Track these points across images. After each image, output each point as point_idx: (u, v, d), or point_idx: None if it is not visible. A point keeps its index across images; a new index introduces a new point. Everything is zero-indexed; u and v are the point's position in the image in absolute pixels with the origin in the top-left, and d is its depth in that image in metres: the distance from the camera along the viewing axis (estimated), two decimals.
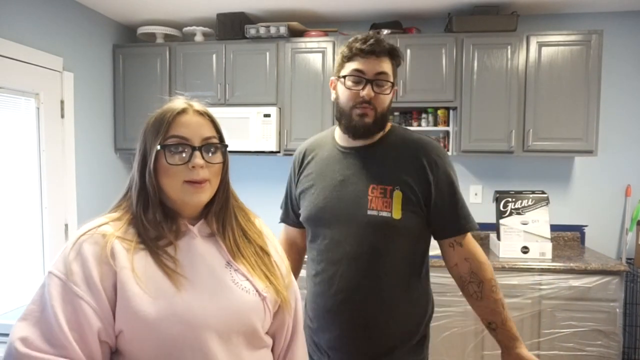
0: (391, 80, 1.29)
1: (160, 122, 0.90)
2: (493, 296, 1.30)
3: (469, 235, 1.33)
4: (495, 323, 1.31)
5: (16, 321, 0.81)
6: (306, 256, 1.48)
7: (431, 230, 1.34)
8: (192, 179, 0.89)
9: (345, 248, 1.29)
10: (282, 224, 1.57)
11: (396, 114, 3.10)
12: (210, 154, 0.92)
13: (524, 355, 1.29)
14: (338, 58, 1.33)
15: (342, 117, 1.31)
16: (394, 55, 1.30)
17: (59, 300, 0.79)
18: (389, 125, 1.37)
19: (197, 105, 0.95)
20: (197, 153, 0.89)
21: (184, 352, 0.82)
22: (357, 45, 1.26)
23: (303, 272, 1.58)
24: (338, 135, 1.40)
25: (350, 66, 1.28)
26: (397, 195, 1.26)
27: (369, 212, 1.27)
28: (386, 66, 1.27)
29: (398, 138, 1.34)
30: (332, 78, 1.37)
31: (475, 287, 1.30)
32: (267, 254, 1.01)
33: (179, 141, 0.89)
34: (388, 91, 1.29)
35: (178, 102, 0.94)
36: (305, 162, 1.43)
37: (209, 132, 0.93)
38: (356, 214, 1.28)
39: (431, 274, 1.42)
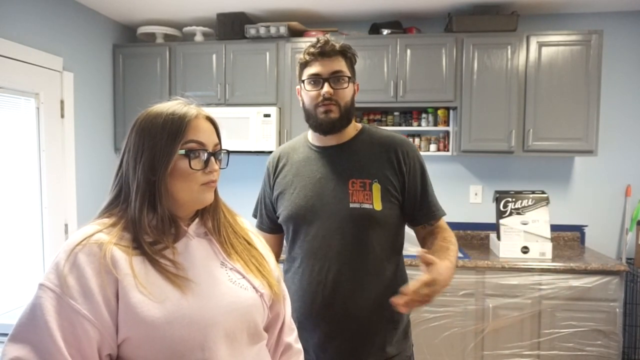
0: (347, 75, 1.35)
1: (178, 126, 0.90)
2: (450, 246, 1.33)
3: (442, 220, 1.43)
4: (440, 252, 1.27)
5: (6, 341, 0.77)
6: (283, 256, 1.50)
7: (406, 218, 1.41)
8: (208, 181, 0.93)
9: (330, 242, 1.32)
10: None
11: (396, 113, 3.10)
12: (219, 159, 0.96)
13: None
14: (297, 66, 1.42)
15: (310, 118, 1.39)
16: (347, 54, 1.37)
17: (54, 315, 0.76)
18: (360, 126, 1.44)
19: (204, 111, 0.97)
20: (213, 159, 0.93)
21: (192, 353, 0.83)
22: (310, 50, 1.36)
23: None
24: (311, 137, 1.46)
25: (308, 71, 1.36)
26: (376, 187, 1.33)
27: (352, 205, 1.32)
28: (340, 64, 1.35)
29: (370, 136, 1.42)
30: (297, 87, 1.43)
31: (434, 239, 1.36)
32: (255, 247, 1.03)
33: (199, 147, 0.91)
34: (346, 85, 1.35)
35: (187, 107, 0.94)
36: (280, 165, 1.47)
37: (216, 138, 0.96)
38: (339, 208, 1.32)
39: None
